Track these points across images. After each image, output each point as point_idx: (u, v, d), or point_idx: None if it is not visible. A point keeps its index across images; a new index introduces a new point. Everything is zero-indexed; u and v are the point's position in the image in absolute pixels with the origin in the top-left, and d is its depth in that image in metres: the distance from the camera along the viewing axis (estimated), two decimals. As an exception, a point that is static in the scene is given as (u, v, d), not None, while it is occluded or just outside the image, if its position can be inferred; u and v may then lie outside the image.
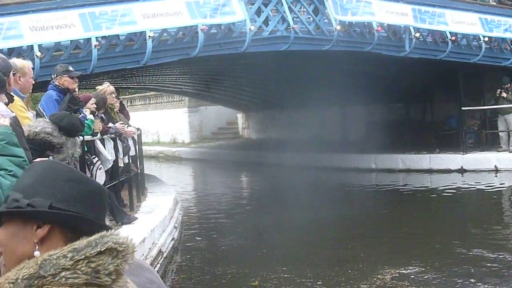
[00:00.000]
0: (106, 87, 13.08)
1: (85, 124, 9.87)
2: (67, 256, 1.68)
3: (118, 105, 14.38)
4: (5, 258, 1.85)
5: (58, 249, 1.71)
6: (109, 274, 1.69)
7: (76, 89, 10.59)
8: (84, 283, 1.66)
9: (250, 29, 17.75)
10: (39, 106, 9.77)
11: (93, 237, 1.73)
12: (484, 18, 22.39)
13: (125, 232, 1.89)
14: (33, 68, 8.35)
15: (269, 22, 18.59)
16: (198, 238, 14.42)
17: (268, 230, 14.69)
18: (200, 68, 26.28)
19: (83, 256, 1.68)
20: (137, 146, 15.76)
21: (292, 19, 18.62)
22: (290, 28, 18.57)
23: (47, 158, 6.55)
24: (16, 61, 7.29)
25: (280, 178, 25.17)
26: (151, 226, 11.45)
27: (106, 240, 1.72)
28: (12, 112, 5.07)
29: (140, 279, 1.92)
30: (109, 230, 1.81)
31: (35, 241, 1.82)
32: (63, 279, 1.65)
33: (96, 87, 13.42)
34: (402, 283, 9.76)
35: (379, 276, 10.16)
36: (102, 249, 1.70)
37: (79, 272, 1.66)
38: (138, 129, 15.97)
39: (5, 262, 1.84)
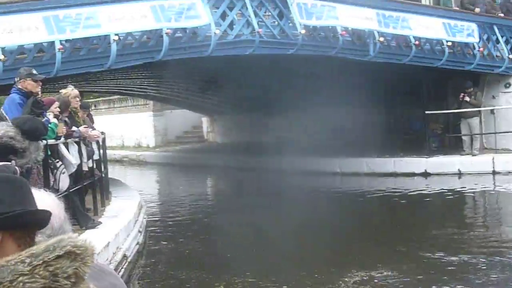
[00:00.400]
0: (70, 91, 13.01)
1: (49, 128, 9.80)
2: (25, 261, 1.67)
3: (83, 114, 14.36)
4: None
5: (16, 255, 1.69)
6: (68, 277, 1.68)
7: (40, 93, 10.52)
8: (43, 287, 1.65)
9: (215, 33, 17.74)
10: (1, 110, 9.70)
11: (51, 241, 1.72)
12: (447, 23, 22.58)
13: (88, 237, 1.87)
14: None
15: (234, 26, 18.58)
16: (164, 242, 14.37)
17: (232, 234, 14.66)
18: (165, 72, 26.21)
19: (41, 261, 1.67)
20: (101, 150, 15.69)
21: (257, 23, 18.64)
22: (255, 32, 18.59)
23: (9, 163, 6.50)
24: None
25: (244, 181, 25.19)
26: (115, 230, 11.40)
27: (64, 244, 1.71)
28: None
29: (102, 283, 1.91)
30: (46, 213, 1.81)
31: None
32: (21, 284, 1.64)
33: (60, 91, 13.33)
34: (364, 287, 9.81)
35: (345, 279, 10.19)
36: (61, 253, 1.69)
37: (37, 276, 1.65)
38: (102, 133, 15.90)
39: None
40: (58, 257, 1.68)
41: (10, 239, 1.79)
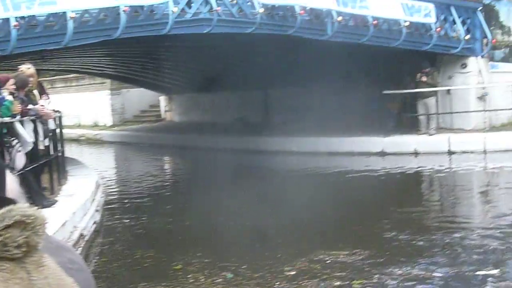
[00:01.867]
0: (25, 69, 12.86)
1: (3, 105, 9.69)
2: None
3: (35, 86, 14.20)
4: None
5: None
6: (18, 246, 1.66)
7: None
8: None
9: (172, 11, 17.64)
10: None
11: (0, 211, 1.70)
12: (405, 3, 22.68)
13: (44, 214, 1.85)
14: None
15: (192, 4, 18.48)
16: (121, 221, 14.30)
17: (189, 213, 14.64)
18: (122, 50, 26.02)
19: None
20: (57, 129, 15.55)
21: (215, 1, 18.56)
22: (213, 11, 18.50)
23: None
24: None
25: (202, 161, 25.18)
26: (72, 209, 11.34)
27: (14, 214, 1.69)
28: None
29: (60, 259, 1.88)
30: (12, 202, 1.78)
31: None
32: None
33: (18, 67, 13.19)
34: (315, 266, 9.83)
35: (304, 259, 10.21)
36: (10, 223, 1.67)
37: None
38: (58, 111, 15.76)
39: None
40: (8, 226, 1.66)
41: None
